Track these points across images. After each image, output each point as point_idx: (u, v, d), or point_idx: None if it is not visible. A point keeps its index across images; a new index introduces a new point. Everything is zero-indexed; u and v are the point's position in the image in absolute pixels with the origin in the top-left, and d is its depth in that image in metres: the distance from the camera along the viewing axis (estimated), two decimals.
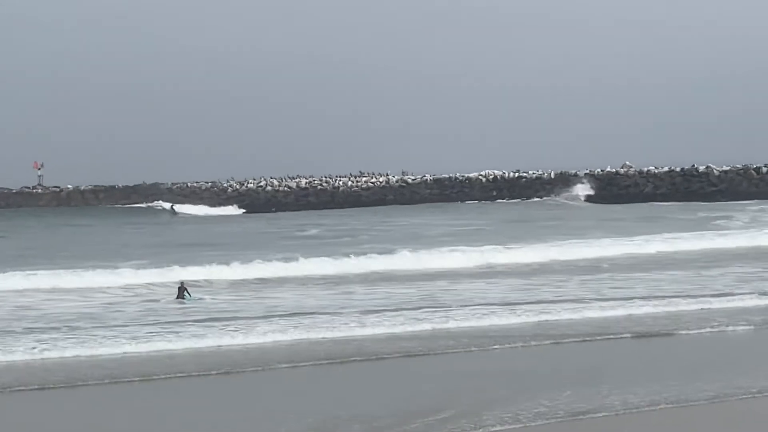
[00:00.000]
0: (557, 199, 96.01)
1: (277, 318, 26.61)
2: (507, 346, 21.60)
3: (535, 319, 25.12)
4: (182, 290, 32.10)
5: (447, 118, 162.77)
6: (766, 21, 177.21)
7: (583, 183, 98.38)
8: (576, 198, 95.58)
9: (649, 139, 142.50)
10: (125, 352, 21.77)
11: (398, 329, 24.15)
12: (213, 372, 19.41)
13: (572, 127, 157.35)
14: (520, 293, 30.80)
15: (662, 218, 67.98)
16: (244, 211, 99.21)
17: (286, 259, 41.19)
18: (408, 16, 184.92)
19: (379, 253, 43.39)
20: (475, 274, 37.33)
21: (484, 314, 26.00)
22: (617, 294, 30.01)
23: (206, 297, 32.21)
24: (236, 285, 35.83)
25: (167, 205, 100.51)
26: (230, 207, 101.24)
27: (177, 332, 24.29)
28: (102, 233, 67.52)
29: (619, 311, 26.11)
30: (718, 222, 62.28)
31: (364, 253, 43.42)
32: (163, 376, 19.11)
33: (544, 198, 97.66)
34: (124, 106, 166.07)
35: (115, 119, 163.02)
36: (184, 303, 30.89)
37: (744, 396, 16.16)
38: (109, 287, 35.04)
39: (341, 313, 27.13)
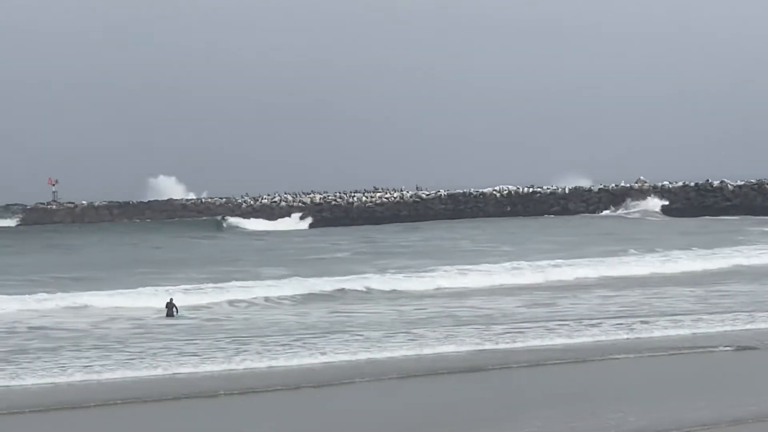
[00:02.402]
0: (626, 213, 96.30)
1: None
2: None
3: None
4: (171, 307, 32.62)
5: (459, 131, 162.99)
6: None
7: (654, 195, 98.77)
8: (650, 212, 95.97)
9: (662, 153, 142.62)
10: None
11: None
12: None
13: (585, 140, 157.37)
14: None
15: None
16: (310, 223, 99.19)
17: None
18: (420, 23, 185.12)
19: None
20: None
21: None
22: None
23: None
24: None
25: (218, 218, 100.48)
26: (292, 219, 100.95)
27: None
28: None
29: None
30: None
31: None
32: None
33: (614, 212, 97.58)
34: (138, 121, 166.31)
35: (130, 135, 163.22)
36: (174, 319, 31.59)
37: None
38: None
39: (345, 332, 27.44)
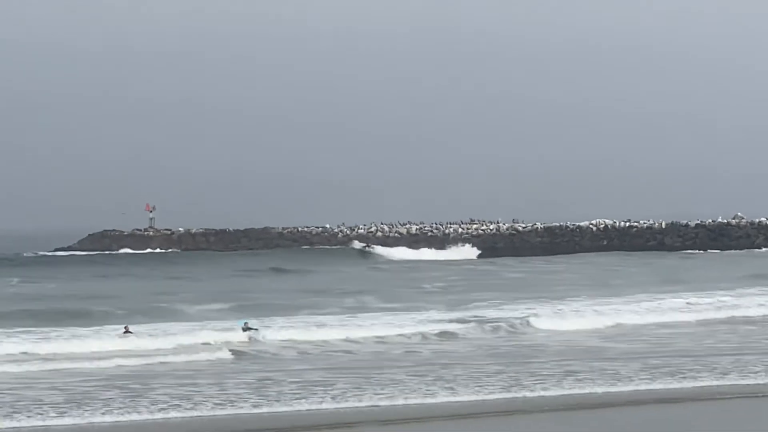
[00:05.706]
0: None
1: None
2: None
3: None
4: (247, 329, 36.14)
5: (554, 163, 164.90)
6: None
7: None
8: None
9: (761, 189, 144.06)
10: None
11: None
12: None
13: (682, 175, 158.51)
14: None
15: None
16: (479, 253, 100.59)
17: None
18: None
19: None
20: None
21: None
22: None
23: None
24: None
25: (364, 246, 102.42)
26: (462, 248, 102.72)
27: None
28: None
29: None
30: None
31: None
32: None
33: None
34: (234, 150, 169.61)
35: (228, 163, 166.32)
36: (252, 335, 35.49)
37: None
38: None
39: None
